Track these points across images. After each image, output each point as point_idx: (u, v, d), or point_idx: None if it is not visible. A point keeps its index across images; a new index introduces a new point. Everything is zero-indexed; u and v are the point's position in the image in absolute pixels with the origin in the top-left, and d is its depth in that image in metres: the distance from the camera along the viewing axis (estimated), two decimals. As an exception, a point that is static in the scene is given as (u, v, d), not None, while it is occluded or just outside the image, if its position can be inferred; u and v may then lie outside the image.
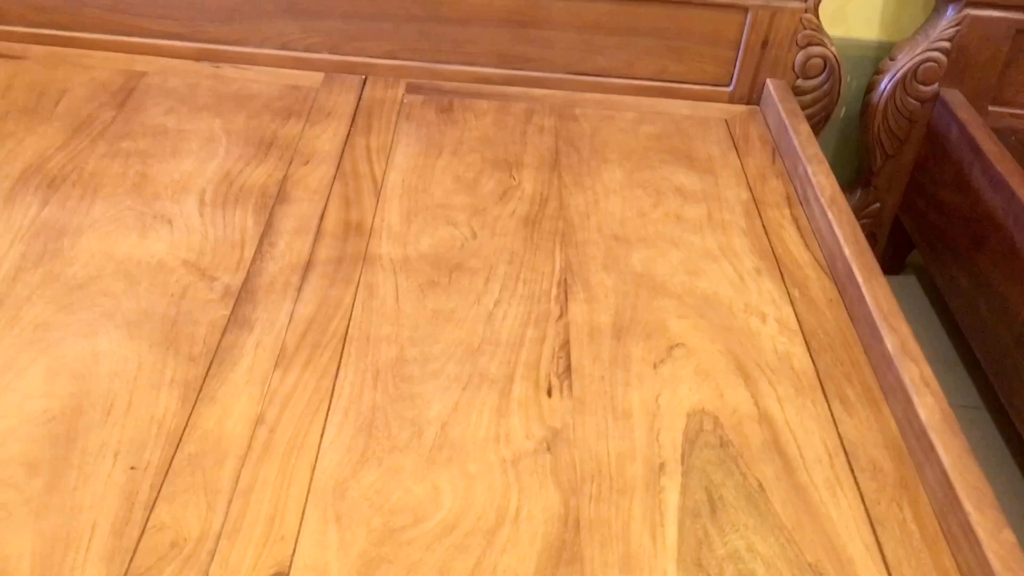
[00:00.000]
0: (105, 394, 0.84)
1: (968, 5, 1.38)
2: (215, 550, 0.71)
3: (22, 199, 1.07)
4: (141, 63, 1.36)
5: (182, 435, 0.81)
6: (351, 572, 0.71)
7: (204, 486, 0.76)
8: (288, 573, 0.71)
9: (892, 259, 1.62)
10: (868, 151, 1.52)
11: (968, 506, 0.77)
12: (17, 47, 1.37)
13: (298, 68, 1.39)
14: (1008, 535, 0.74)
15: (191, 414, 0.83)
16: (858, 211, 1.56)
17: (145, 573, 0.69)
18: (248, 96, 1.32)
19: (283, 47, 1.39)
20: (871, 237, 1.58)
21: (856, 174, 1.60)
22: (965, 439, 0.83)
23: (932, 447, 0.83)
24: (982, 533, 0.74)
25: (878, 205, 1.56)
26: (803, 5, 1.36)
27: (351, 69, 1.40)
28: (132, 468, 0.77)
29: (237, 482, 0.77)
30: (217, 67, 1.38)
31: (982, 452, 0.95)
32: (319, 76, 1.39)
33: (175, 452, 0.79)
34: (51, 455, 0.78)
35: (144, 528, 0.73)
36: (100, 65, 1.35)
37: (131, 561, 0.70)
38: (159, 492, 0.75)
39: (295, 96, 1.33)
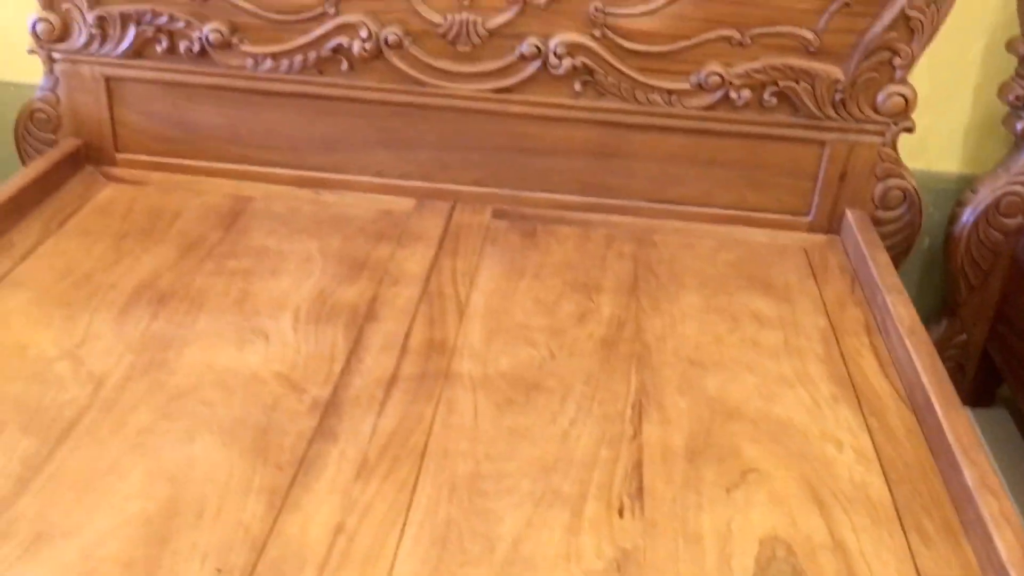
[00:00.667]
0: (198, 498, 0.89)
1: (1049, 140, 1.39)
2: (291, 654, 0.74)
3: (135, 313, 1.15)
4: (248, 189, 1.47)
5: (266, 540, 0.84)
6: None
7: (284, 591, 0.80)
8: None
9: (981, 392, 1.59)
10: (952, 282, 1.52)
11: (1052, 648, 0.74)
12: (139, 174, 1.49)
13: (391, 194, 1.48)
14: None
15: (276, 520, 0.87)
16: (944, 342, 1.54)
17: (224, 673, 0.72)
18: (344, 220, 1.41)
19: (378, 175, 1.49)
20: (959, 369, 1.56)
21: (941, 305, 1.59)
22: (1048, 578, 0.81)
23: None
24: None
25: (964, 336, 1.54)
26: (881, 139, 1.39)
27: (440, 196, 1.48)
28: (218, 571, 0.81)
29: (315, 588, 0.80)
30: (317, 193, 1.48)
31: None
32: (411, 202, 1.47)
33: (259, 557, 0.83)
34: (145, 555, 0.82)
35: (226, 629, 0.76)
36: (212, 190, 1.46)
37: (211, 661, 0.73)
38: (242, 595, 0.79)
39: (388, 220, 1.41)
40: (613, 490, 0.93)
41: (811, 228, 1.46)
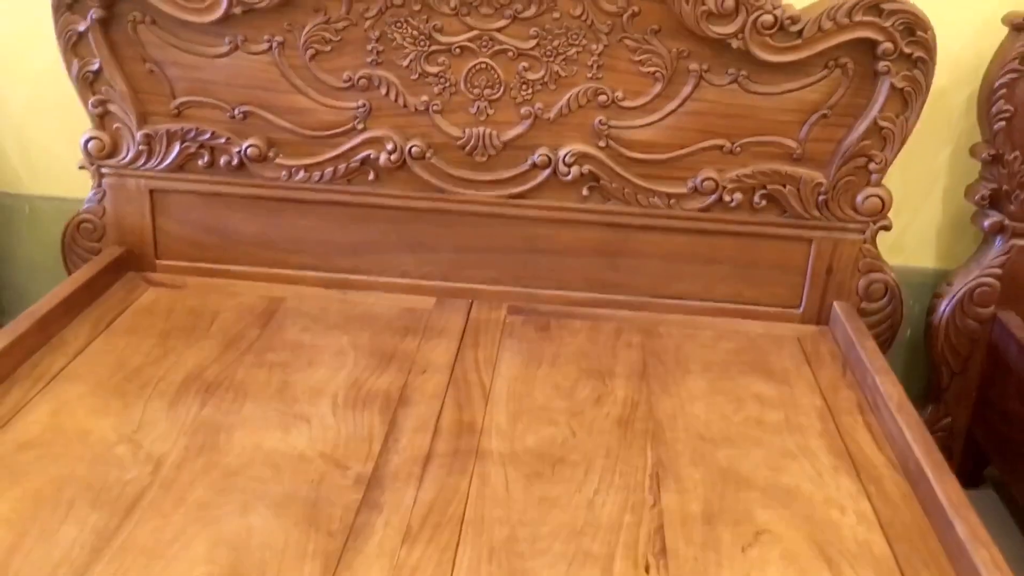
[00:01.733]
0: (258, 563, 0.96)
1: (1014, 236, 1.53)
2: None
3: (184, 401, 1.24)
4: (280, 290, 1.58)
5: (325, 599, 0.92)
6: None
7: (345, 642, 0.87)
8: None
9: (969, 473, 1.68)
10: (935, 369, 1.63)
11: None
12: (178, 279, 1.60)
13: (413, 293, 1.59)
14: None
15: (332, 581, 0.94)
16: (930, 426, 1.64)
17: None
18: (371, 317, 1.51)
19: (401, 276, 1.60)
20: (946, 452, 1.64)
21: (926, 391, 1.70)
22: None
23: (1008, 624, 0.89)
24: None
25: (949, 419, 1.64)
26: (861, 237, 1.52)
27: (459, 294, 1.59)
28: (283, 625, 0.88)
29: (373, 639, 0.87)
30: (344, 293, 1.59)
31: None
32: (431, 300, 1.58)
33: (319, 613, 0.90)
34: (214, 612, 0.89)
35: (295, 676, 0.83)
36: (246, 292, 1.56)
37: None
38: (307, 645, 0.86)
39: (411, 317, 1.52)
40: (639, 550, 1.01)
41: (803, 319, 1.57)
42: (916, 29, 1.39)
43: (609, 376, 1.38)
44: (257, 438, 1.17)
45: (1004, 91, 1.46)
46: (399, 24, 1.47)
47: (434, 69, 1.49)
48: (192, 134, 1.54)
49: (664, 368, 1.41)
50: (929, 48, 1.40)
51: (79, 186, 1.72)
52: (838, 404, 1.33)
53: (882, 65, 1.41)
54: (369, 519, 1.04)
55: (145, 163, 1.56)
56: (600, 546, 1.02)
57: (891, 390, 1.29)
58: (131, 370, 1.31)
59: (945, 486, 1.08)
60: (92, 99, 1.53)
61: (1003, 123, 1.47)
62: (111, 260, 1.56)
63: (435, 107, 1.51)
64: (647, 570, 0.98)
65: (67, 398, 1.24)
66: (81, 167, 1.58)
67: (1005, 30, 1.47)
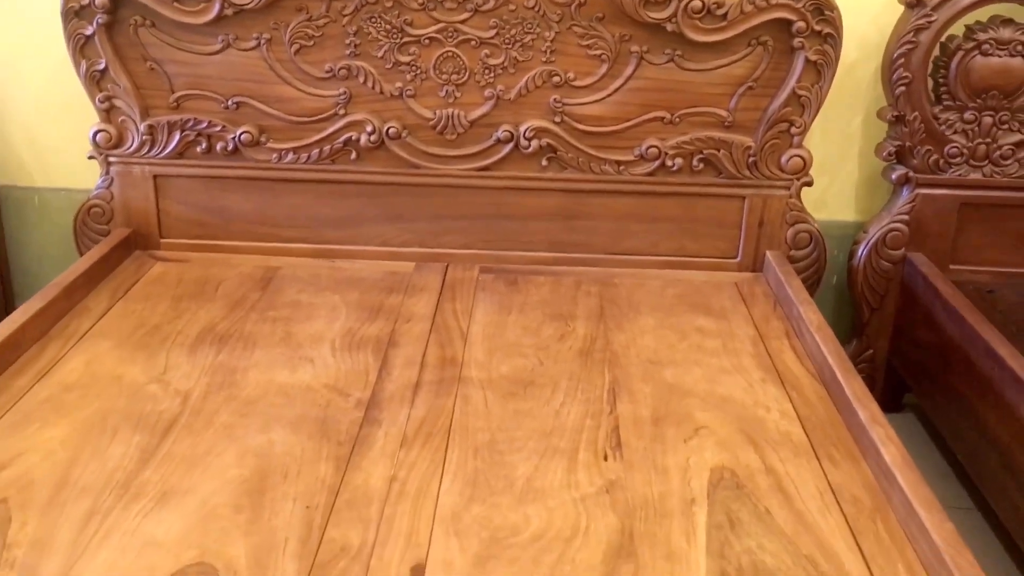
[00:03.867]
0: (281, 466, 1.15)
1: (919, 185, 1.75)
2: (371, 553, 1.00)
3: (202, 350, 1.43)
4: (275, 261, 1.76)
5: (339, 488, 1.11)
6: (470, 564, 0.99)
7: (359, 517, 1.06)
8: (425, 565, 0.99)
9: (890, 400, 1.90)
10: (856, 307, 1.85)
11: (921, 512, 1.03)
12: (181, 254, 1.78)
13: (395, 260, 1.78)
14: (950, 526, 1.01)
15: (344, 476, 1.13)
16: (854, 358, 1.85)
17: (326, 565, 0.98)
18: (358, 280, 1.70)
19: (382, 244, 1.79)
20: (870, 381, 1.87)
21: (851, 328, 1.92)
22: (919, 472, 1.10)
23: (895, 479, 1.10)
24: (931, 527, 1.01)
25: (871, 351, 1.86)
26: (787, 192, 1.74)
27: (436, 258, 1.78)
28: (307, 507, 1.07)
29: (382, 514, 1.06)
30: (332, 262, 1.77)
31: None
32: (411, 265, 1.77)
33: (336, 498, 1.09)
34: (249, 501, 1.08)
35: (321, 540, 1.02)
36: (244, 263, 1.75)
37: (315, 559, 0.99)
38: (328, 519, 1.05)
39: (394, 279, 1.71)
40: (598, 445, 1.21)
41: (739, 268, 1.78)
42: (824, 9, 1.61)
43: (571, 318, 1.58)
44: (269, 375, 1.36)
45: (903, 60, 1.68)
46: (373, 19, 1.66)
47: (406, 58, 1.68)
48: (191, 124, 1.72)
49: (619, 311, 1.61)
50: (836, 25, 1.62)
51: (83, 178, 1.90)
52: (768, 332, 1.54)
53: (797, 41, 1.63)
54: (371, 431, 1.23)
55: (149, 151, 1.74)
56: (566, 443, 1.22)
57: (812, 316, 1.50)
58: (151, 327, 1.49)
59: (852, 384, 1.30)
60: (99, 95, 1.70)
61: (903, 88, 1.69)
62: (120, 240, 1.74)
63: (408, 92, 1.70)
64: (605, 458, 1.18)
65: (97, 351, 1.41)
66: (90, 157, 1.75)
67: (901, 8, 1.70)
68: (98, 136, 1.73)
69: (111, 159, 1.75)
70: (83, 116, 1.82)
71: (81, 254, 1.79)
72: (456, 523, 1.06)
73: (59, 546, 1.00)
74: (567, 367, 1.41)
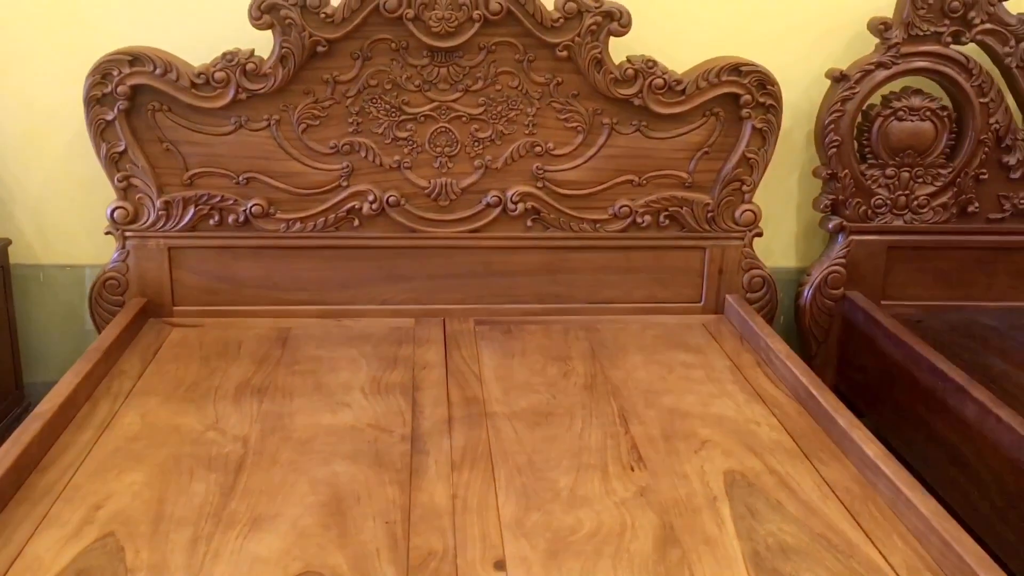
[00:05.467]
0: (351, 492, 1.29)
1: (853, 233, 2.02)
2: (455, 554, 1.15)
3: (245, 401, 1.55)
4: (285, 323, 1.90)
5: (410, 506, 1.26)
6: (543, 558, 1.15)
7: (435, 527, 1.21)
8: (505, 561, 1.14)
9: (840, 424, 2.14)
10: (804, 342, 2.09)
11: (907, 491, 1.24)
12: (194, 320, 1.89)
13: (396, 317, 1.94)
14: (932, 502, 1.22)
15: (410, 496, 1.28)
16: (807, 387, 2.09)
17: (419, 567, 1.13)
18: (367, 335, 1.85)
19: (384, 303, 1.95)
20: (821, 407, 2.10)
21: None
22: (900, 464, 1.32)
23: (880, 470, 1.31)
24: (917, 503, 1.22)
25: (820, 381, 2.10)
26: (742, 243, 1.98)
27: (433, 314, 1.95)
28: (387, 522, 1.22)
29: (454, 524, 1.21)
30: (339, 321, 1.92)
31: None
32: (411, 320, 1.93)
33: (409, 514, 1.24)
34: (334, 521, 1.22)
35: (408, 548, 1.16)
36: (258, 326, 1.88)
37: (408, 563, 1.13)
38: (408, 531, 1.20)
39: (399, 333, 1.87)
40: (623, 459, 1.39)
41: (703, 311, 2.01)
42: (767, 84, 1.87)
43: (568, 359, 1.76)
44: (314, 419, 1.50)
45: (833, 126, 1.96)
46: (374, 100, 1.85)
47: (404, 134, 1.87)
48: (204, 199, 1.86)
49: (608, 351, 1.80)
50: (777, 98, 1.88)
51: (86, 254, 2.01)
52: (742, 363, 1.76)
53: (744, 112, 1.89)
54: (422, 460, 1.38)
55: (164, 225, 1.87)
56: (595, 460, 1.39)
57: (780, 346, 1.73)
58: (189, 384, 1.61)
59: (826, 397, 1.52)
60: (118, 175, 1.83)
61: (835, 149, 1.97)
62: (137, 309, 1.85)
63: (406, 164, 1.89)
64: (632, 470, 1.37)
65: (148, 407, 1.53)
66: (107, 232, 1.87)
67: (828, 82, 1.98)
68: (115, 213, 1.85)
69: (127, 234, 1.87)
70: (89, 196, 1.96)
71: (96, 324, 1.90)
72: (520, 527, 1.22)
73: (176, 568, 1.12)
74: (577, 399, 1.59)
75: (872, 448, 1.36)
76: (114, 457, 1.37)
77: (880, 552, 1.18)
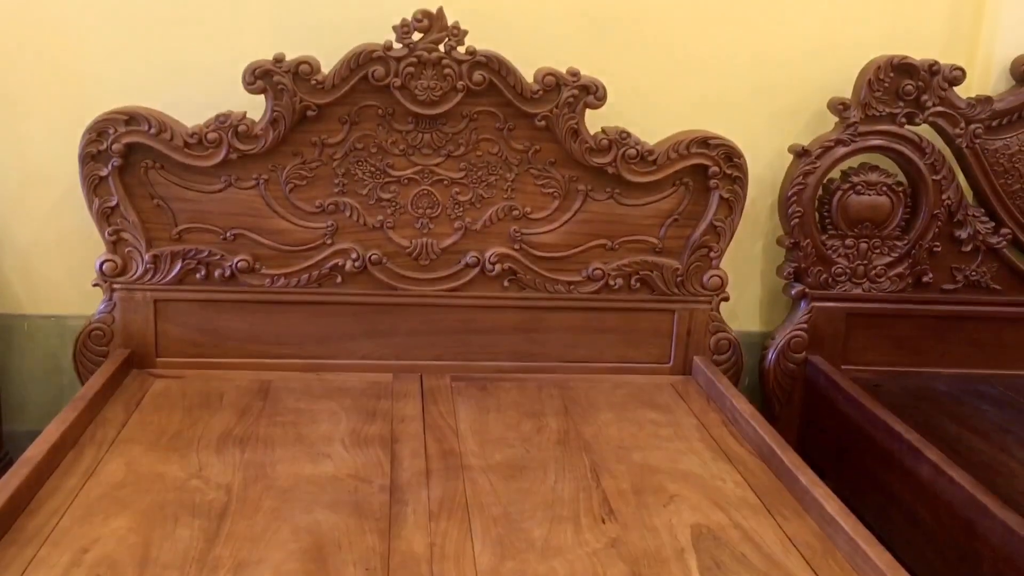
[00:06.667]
0: (332, 539, 1.33)
1: (815, 300, 2.12)
2: (434, 600, 1.20)
3: (227, 450, 1.59)
4: (266, 375, 1.94)
5: (389, 553, 1.30)
6: (517, 604, 1.20)
7: (415, 574, 1.25)
8: (481, 606, 1.19)
9: (802, 484, 2.21)
10: (768, 403, 2.17)
11: (864, 547, 1.31)
12: (176, 372, 1.94)
13: (374, 372, 1.99)
14: (888, 556, 1.29)
15: (389, 544, 1.33)
16: (770, 447, 2.16)
17: (399, 611, 1.17)
18: (346, 389, 1.90)
19: (363, 358, 2.00)
20: (784, 467, 2.17)
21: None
22: (858, 520, 1.39)
23: (839, 525, 1.38)
24: (874, 556, 1.29)
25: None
26: (709, 306, 2.06)
27: (411, 369, 2.00)
28: (367, 569, 1.26)
29: (432, 571, 1.26)
30: (319, 375, 1.97)
31: None
32: (389, 375, 1.98)
33: (388, 561, 1.28)
34: (316, 567, 1.26)
35: (388, 593, 1.21)
36: (238, 378, 1.92)
37: (388, 607, 1.18)
38: (389, 578, 1.24)
39: (377, 388, 1.92)
40: (594, 512, 1.45)
41: (672, 371, 2.08)
42: (733, 156, 1.98)
43: (541, 415, 1.82)
44: (295, 469, 1.54)
45: (795, 198, 2.06)
46: (360, 163, 1.93)
47: (387, 195, 1.95)
48: (192, 253, 1.92)
49: (580, 408, 1.87)
50: (743, 170, 1.99)
51: (71, 305, 2.06)
52: (708, 422, 1.83)
53: (712, 182, 1.99)
54: (400, 509, 1.43)
55: (151, 278, 1.92)
56: (568, 512, 1.45)
57: (744, 407, 1.80)
58: (172, 434, 1.65)
59: (788, 455, 1.59)
60: (108, 229, 1.89)
61: (797, 220, 2.07)
62: (122, 360, 1.89)
63: (388, 224, 1.96)
64: (603, 522, 1.42)
65: (132, 455, 1.56)
66: (95, 284, 1.92)
67: (790, 157, 2.09)
68: (104, 265, 1.90)
69: (115, 286, 1.92)
70: (77, 248, 2.01)
71: (79, 373, 1.93)
72: (496, 575, 1.26)
73: (163, 609, 1.16)
74: (551, 453, 1.65)
75: (832, 504, 1.43)
76: (100, 503, 1.40)
77: (838, 603, 1.25)
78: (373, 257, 1.96)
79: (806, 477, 1.52)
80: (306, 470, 1.54)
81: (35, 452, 1.45)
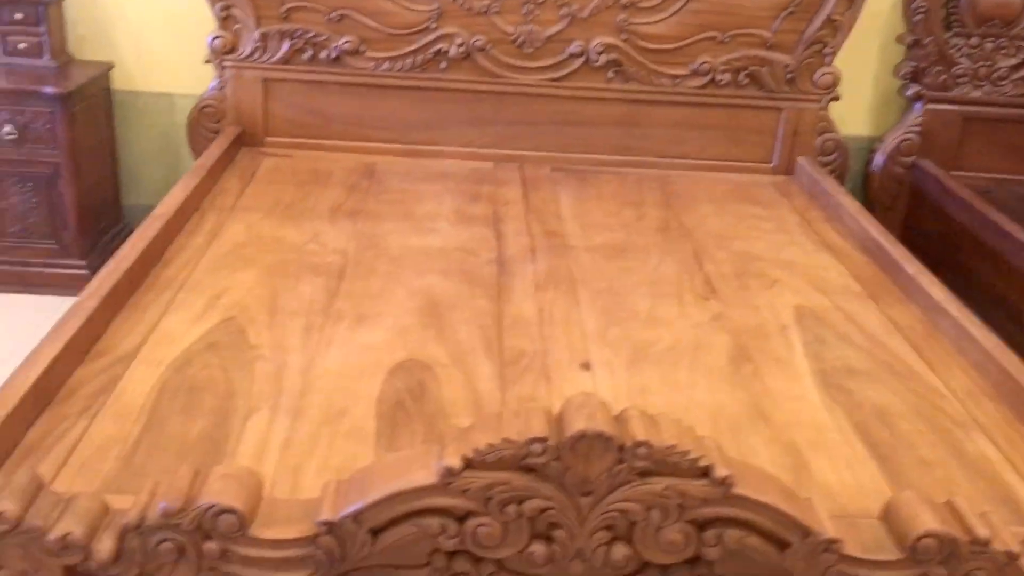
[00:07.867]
0: (446, 300, 1.39)
1: (930, 101, 2.04)
2: (545, 354, 1.25)
3: (339, 221, 1.65)
4: (369, 159, 1.98)
5: (501, 315, 1.35)
6: (625, 362, 1.25)
7: (525, 333, 1.31)
8: (590, 362, 1.24)
9: (896, 291, 2.20)
10: (870, 209, 2.13)
11: (972, 330, 1.32)
12: (285, 151, 1.98)
13: (474, 160, 2.01)
14: (995, 338, 1.29)
15: (500, 308, 1.38)
16: (868, 253, 2.15)
17: (514, 362, 1.23)
18: (448, 174, 1.93)
19: (464, 145, 2.02)
20: (879, 274, 2.16)
21: (863, 230, 2.21)
22: (965, 307, 1.39)
23: (945, 311, 1.38)
24: (981, 339, 1.29)
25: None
26: (818, 106, 2.01)
27: (511, 159, 2.02)
28: (480, 327, 1.32)
29: (542, 332, 1.31)
30: (419, 160, 2.00)
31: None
32: (490, 164, 2.00)
33: (500, 320, 1.34)
34: (432, 321, 1.32)
35: (501, 348, 1.26)
36: (344, 160, 1.96)
37: (502, 358, 1.24)
38: (501, 335, 1.30)
39: (478, 174, 1.95)
40: (697, 290, 1.48)
41: (774, 172, 2.06)
42: (858, -56, 1.87)
43: (641, 205, 1.83)
44: (404, 240, 1.59)
45: (921, -9, 1.96)
46: (467, -58, 1.88)
47: (494, -22, 1.91)
48: (299, 33, 1.92)
49: (681, 201, 1.87)
50: (867, -41, 1.89)
51: (182, 83, 2.09)
52: (811, 218, 1.82)
53: (833, -28, 1.90)
54: (508, 280, 1.47)
55: (260, 57, 1.94)
56: (671, 289, 1.48)
57: (848, 202, 1.79)
58: (287, 204, 1.71)
59: (893, 245, 1.58)
60: (219, 4, 1.89)
61: (922, 15, 1.97)
62: (234, 137, 1.93)
63: (494, 10, 1.93)
64: (706, 299, 1.45)
65: (250, 220, 1.63)
66: (207, 61, 1.94)
67: (920, -54, 1.97)
68: (215, 42, 1.92)
69: (225, 64, 1.94)
70: (187, 25, 2.02)
71: (193, 148, 1.99)
72: (603, 338, 1.31)
73: (293, 348, 1.23)
74: (652, 239, 1.67)
75: (938, 292, 1.43)
76: (226, 259, 1.47)
77: (941, 380, 1.27)
78: (477, 43, 1.94)
79: (912, 267, 1.52)
80: (414, 242, 1.59)
81: (163, 210, 1.52)
